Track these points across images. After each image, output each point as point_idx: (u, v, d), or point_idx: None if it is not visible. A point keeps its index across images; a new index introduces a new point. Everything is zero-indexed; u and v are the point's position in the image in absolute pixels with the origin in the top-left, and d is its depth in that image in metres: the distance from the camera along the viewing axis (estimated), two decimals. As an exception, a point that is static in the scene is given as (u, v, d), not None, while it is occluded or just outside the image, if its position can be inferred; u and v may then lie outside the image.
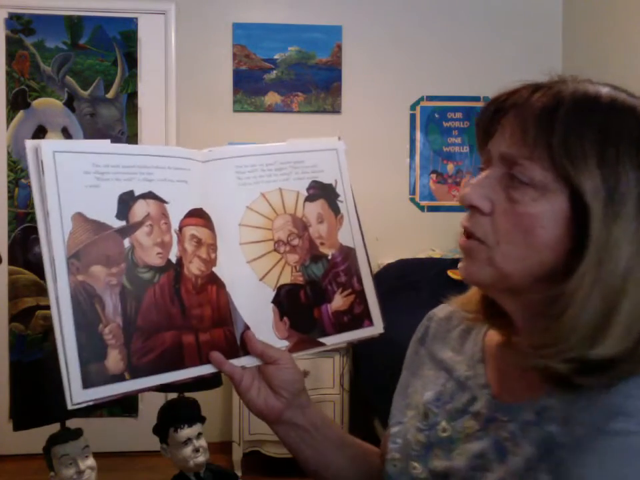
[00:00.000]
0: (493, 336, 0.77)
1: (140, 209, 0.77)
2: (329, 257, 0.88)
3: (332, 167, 0.91)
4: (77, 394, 0.69)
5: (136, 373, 0.73)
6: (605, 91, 0.64)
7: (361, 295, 0.89)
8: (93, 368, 0.70)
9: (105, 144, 0.76)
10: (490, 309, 0.75)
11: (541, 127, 0.62)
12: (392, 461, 0.77)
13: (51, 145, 0.73)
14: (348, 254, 0.90)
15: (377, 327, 0.90)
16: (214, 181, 0.83)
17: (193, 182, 0.81)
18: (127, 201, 0.76)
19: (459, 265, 0.71)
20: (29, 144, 0.72)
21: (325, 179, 0.90)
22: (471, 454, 0.68)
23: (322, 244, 0.88)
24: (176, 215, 0.79)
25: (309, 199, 0.89)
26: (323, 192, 0.90)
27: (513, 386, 0.70)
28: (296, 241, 0.87)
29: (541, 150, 0.62)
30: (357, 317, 0.89)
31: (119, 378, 0.72)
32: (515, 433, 0.65)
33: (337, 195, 0.91)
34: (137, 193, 0.77)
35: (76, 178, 0.73)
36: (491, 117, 0.70)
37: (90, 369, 0.70)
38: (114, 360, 0.72)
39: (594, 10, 3.21)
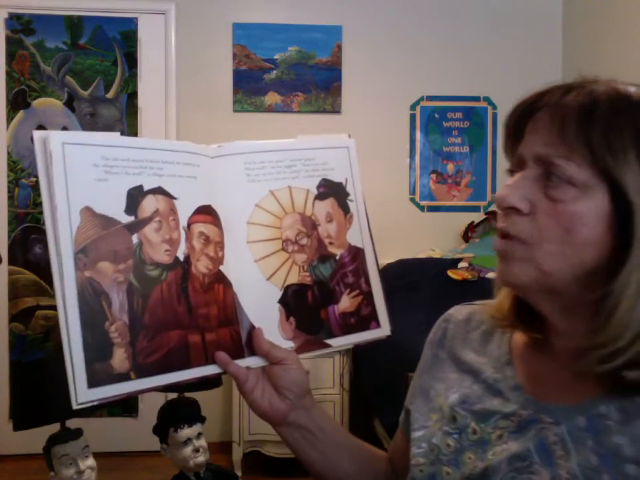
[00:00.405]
0: (520, 338, 0.76)
1: (149, 205, 0.75)
2: (337, 257, 0.87)
3: (343, 165, 0.89)
4: (82, 393, 0.68)
5: (141, 372, 0.72)
6: (632, 89, 0.65)
7: (368, 297, 0.88)
8: (98, 367, 0.69)
9: (114, 136, 0.74)
10: (521, 314, 0.74)
11: (580, 125, 0.62)
12: (417, 466, 0.75)
13: (59, 136, 0.70)
14: (356, 254, 0.88)
15: (384, 329, 0.88)
16: (222, 178, 0.81)
17: (201, 178, 0.79)
18: (136, 196, 0.74)
19: (496, 269, 0.69)
20: (37, 135, 0.70)
21: (336, 177, 0.88)
22: (509, 454, 0.67)
23: (330, 243, 0.86)
24: (184, 211, 0.77)
25: (319, 197, 0.87)
26: (332, 190, 0.88)
27: (550, 388, 0.69)
28: (304, 240, 0.85)
29: (581, 147, 0.62)
30: (364, 318, 0.87)
31: (125, 377, 0.70)
32: (563, 437, 0.64)
33: (347, 194, 0.89)
34: (146, 188, 0.75)
35: (85, 171, 0.71)
36: (518, 120, 0.70)
37: (95, 367, 0.69)
38: (119, 359, 0.70)
39: (594, 10, 3.21)
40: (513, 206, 0.66)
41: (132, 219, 0.73)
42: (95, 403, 0.69)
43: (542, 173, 0.65)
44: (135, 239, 0.73)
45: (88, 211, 0.71)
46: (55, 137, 0.70)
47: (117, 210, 0.73)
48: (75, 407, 0.68)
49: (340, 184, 0.89)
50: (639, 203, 0.60)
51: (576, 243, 0.63)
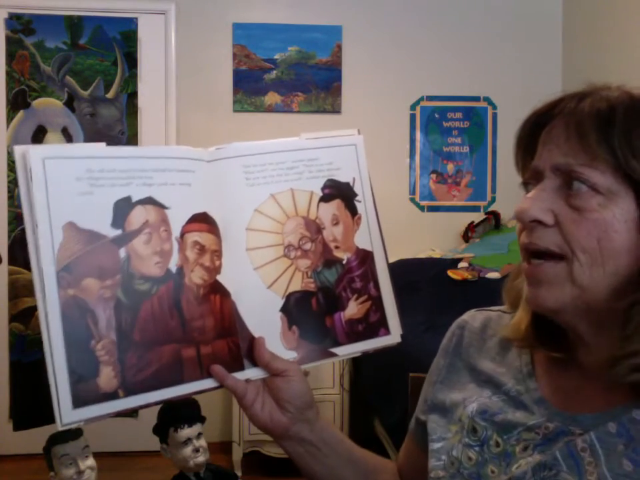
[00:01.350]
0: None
1: (138, 216, 0.71)
2: (344, 262, 0.83)
3: (350, 164, 0.85)
4: (66, 414, 0.66)
5: (131, 390, 0.69)
6: None
7: (377, 302, 0.84)
8: (83, 386, 0.67)
9: (99, 147, 0.71)
10: (541, 334, 0.72)
11: (600, 130, 0.61)
12: (437, 479, 0.73)
13: (40, 151, 0.68)
14: (365, 258, 0.84)
15: (394, 336, 0.85)
16: (220, 182, 0.78)
17: (197, 184, 0.76)
18: (123, 208, 0.71)
19: (528, 293, 0.67)
20: (18, 150, 0.67)
21: (342, 177, 0.84)
22: (535, 464, 0.64)
23: (337, 247, 0.83)
24: (178, 221, 0.74)
25: (324, 199, 0.83)
26: (339, 191, 0.84)
27: (578, 399, 0.68)
28: (308, 245, 0.81)
29: (603, 153, 0.61)
30: (372, 325, 0.83)
31: (112, 396, 0.68)
32: (592, 443, 0.62)
33: (355, 195, 0.85)
34: (134, 199, 0.72)
35: (67, 185, 0.68)
36: (530, 131, 0.69)
37: (80, 387, 0.67)
38: (106, 377, 0.68)
39: (594, 10, 3.21)
40: (536, 219, 0.64)
41: (119, 232, 0.71)
42: (81, 424, 0.67)
43: (561, 183, 0.64)
44: (122, 252, 0.70)
45: (71, 227, 0.68)
46: (35, 152, 0.67)
47: (102, 224, 0.70)
48: (60, 427, 0.66)
49: (347, 184, 0.84)
50: None
51: (609, 251, 0.62)
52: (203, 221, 0.76)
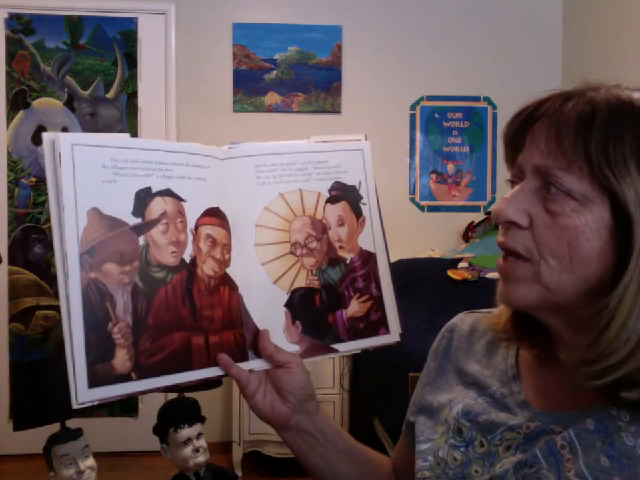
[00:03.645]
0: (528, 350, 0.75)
1: (157, 207, 0.75)
2: (348, 261, 0.86)
3: (356, 167, 0.88)
4: (82, 393, 0.68)
5: (143, 373, 0.72)
6: (637, 96, 0.62)
7: (378, 302, 0.87)
8: (99, 367, 0.69)
9: (124, 138, 0.75)
10: (521, 328, 0.72)
11: (578, 136, 0.60)
12: (423, 479, 0.74)
13: (69, 137, 0.71)
14: (368, 259, 0.87)
15: (393, 335, 0.87)
16: (232, 180, 0.81)
17: (211, 180, 0.79)
18: (144, 198, 0.74)
19: (498, 288, 0.68)
20: (47, 137, 0.70)
21: (349, 180, 0.87)
22: (516, 462, 0.65)
23: (341, 247, 0.86)
24: (192, 213, 0.77)
25: (330, 200, 0.86)
26: (345, 194, 0.87)
27: (560, 399, 0.68)
28: (313, 244, 0.84)
29: (579, 159, 0.60)
30: (373, 324, 0.86)
31: (126, 378, 0.71)
32: (571, 439, 0.62)
33: (360, 197, 0.88)
34: (154, 190, 0.75)
35: (93, 172, 0.71)
36: (517, 129, 0.69)
37: (97, 368, 0.69)
38: (121, 359, 0.71)
39: (594, 10, 3.21)
40: (510, 220, 0.65)
41: (139, 220, 0.73)
42: (95, 403, 0.69)
43: (541, 185, 0.64)
44: (141, 240, 0.73)
45: (95, 212, 0.71)
46: (65, 139, 0.70)
47: (124, 212, 0.73)
48: (75, 406, 0.68)
49: (353, 187, 0.88)
50: (638, 217, 0.58)
51: (578, 257, 0.61)
52: (215, 215, 0.79)
